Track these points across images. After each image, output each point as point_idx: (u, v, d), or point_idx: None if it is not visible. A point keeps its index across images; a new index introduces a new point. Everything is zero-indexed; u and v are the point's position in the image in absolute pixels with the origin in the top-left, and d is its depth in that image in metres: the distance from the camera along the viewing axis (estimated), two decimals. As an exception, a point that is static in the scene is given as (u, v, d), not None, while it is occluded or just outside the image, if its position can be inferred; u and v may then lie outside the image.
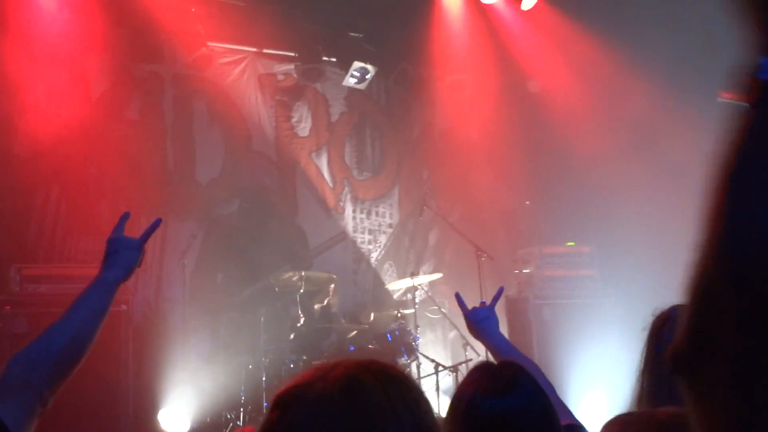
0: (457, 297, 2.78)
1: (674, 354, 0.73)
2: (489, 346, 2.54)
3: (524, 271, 7.11)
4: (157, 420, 5.97)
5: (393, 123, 8.27)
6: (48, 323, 4.72)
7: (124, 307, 5.45)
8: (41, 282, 5.29)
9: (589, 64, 7.28)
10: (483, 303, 2.70)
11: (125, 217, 2.07)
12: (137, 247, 1.96)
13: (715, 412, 0.68)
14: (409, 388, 1.10)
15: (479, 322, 2.56)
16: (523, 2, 7.57)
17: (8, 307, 4.89)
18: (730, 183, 0.68)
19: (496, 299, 2.70)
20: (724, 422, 0.67)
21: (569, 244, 7.26)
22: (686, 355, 0.71)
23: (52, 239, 6.11)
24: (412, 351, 6.36)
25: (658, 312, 2.24)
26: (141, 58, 6.80)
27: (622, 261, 6.88)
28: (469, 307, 2.65)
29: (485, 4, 7.60)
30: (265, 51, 7.54)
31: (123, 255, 1.92)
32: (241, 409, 6.03)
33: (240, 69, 7.43)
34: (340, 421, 1.00)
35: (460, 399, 1.75)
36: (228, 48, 7.32)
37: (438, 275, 7.07)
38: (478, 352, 6.34)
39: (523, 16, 7.69)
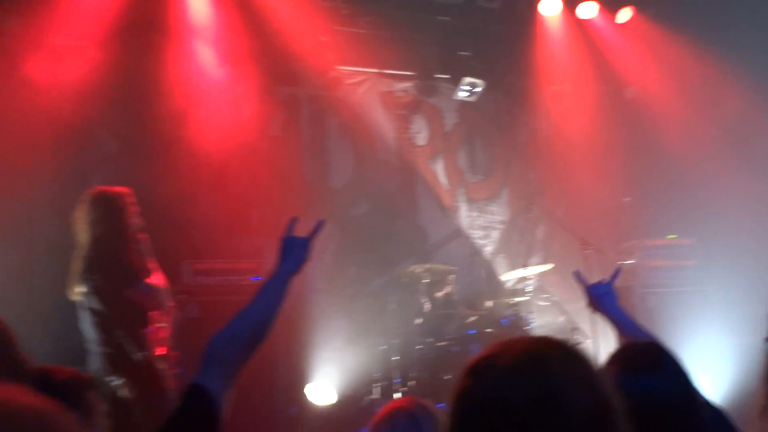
0: (577, 274, 2.72)
1: None
2: (610, 320, 2.46)
3: (628, 262, 6.92)
4: (305, 392, 6.14)
5: (501, 130, 8.19)
6: (214, 308, 4.95)
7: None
8: (208, 274, 5.55)
9: (683, 69, 7.04)
10: (601, 281, 2.63)
11: (294, 220, 2.14)
12: (305, 245, 2.04)
13: None
14: (586, 360, 1.08)
15: (600, 297, 2.51)
16: (617, 16, 7.40)
17: (182, 296, 5.10)
18: None
19: (614, 277, 2.63)
20: None
21: (671, 236, 7.04)
22: None
23: (215, 239, 6.33)
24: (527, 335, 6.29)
25: None
26: (282, 82, 6.99)
27: (721, 252, 6.61)
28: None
29: (582, 20, 7.46)
30: (385, 72, 7.61)
31: (294, 252, 2.00)
32: (375, 385, 6.13)
33: (365, 88, 7.53)
34: (527, 388, 0.99)
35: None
36: (354, 70, 7.41)
37: (549, 266, 6.95)
38: (587, 336, 6.23)
39: (619, 29, 7.51)
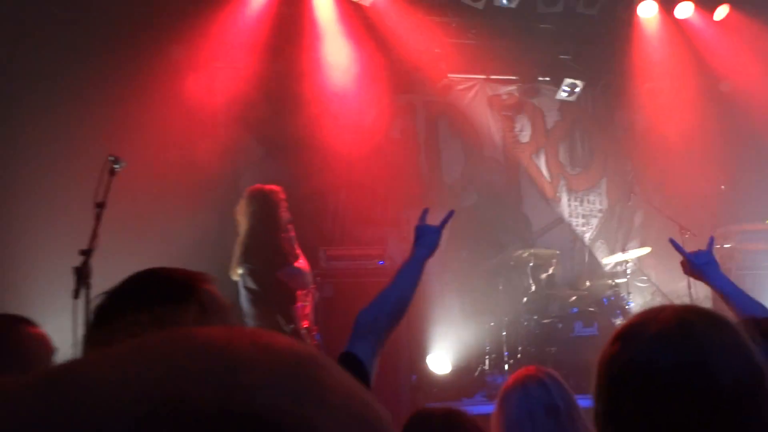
0: (673, 242, 2.55)
1: None
2: (714, 287, 2.28)
3: (725, 245, 6.57)
4: (426, 362, 6.25)
5: (600, 126, 7.94)
6: (345, 289, 5.13)
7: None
8: (340, 259, 5.71)
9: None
10: (700, 250, 2.43)
11: (426, 211, 2.20)
12: (437, 232, 2.08)
13: None
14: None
15: (703, 266, 2.33)
16: (715, 13, 6.99)
17: (319, 278, 5.30)
18: None
19: (711, 245, 2.47)
20: None
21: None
22: None
23: (343, 228, 6.55)
24: (625, 313, 6.09)
25: None
26: (399, 90, 7.10)
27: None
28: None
29: (679, 20, 7.11)
30: (491, 77, 7.56)
31: (427, 238, 2.04)
32: (486, 357, 6.15)
33: (473, 93, 7.51)
34: (677, 354, 0.94)
35: None
36: (463, 77, 7.41)
37: (647, 249, 6.70)
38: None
39: (715, 26, 7.09)
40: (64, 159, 5.18)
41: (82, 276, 3.34)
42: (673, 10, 7.00)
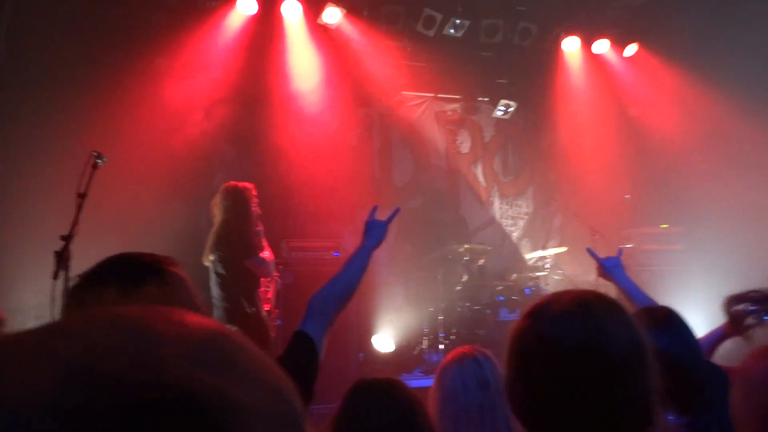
0: (590, 251, 2.62)
1: None
2: (620, 287, 2.36)
3: (627, 246, 6.71)
4: (372, 342, 6.22)
5: (528, 141, 8.03)
6: (305, 276, 5.04)
7: (350, 267, 5.70)
8: (300, 250, 5.63)
9: (676, 89, 6.77)
10: (610, 256, 2.52)
11: (375, 208, 2.15)
12: (384, 226, 2.03)
13: None
14: (623, 309, 1.01)
15: (612, 268, 2.41)
16: (626, 50, 7.16)
17: (281, 267, 5.22)
18: None
19: (620, 254, 2.53)
20: None
21: (663, 225, 6.80)
22: None
23: (305, 223, 6.46)
24: (544, 302, 6.21)
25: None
26: (358, 103, 7.02)
27: (704, 238, 6.36)
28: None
29: (596, 54, 7.25)
30: (438, 95, 7.55)
31: (376, 231, 1.99)
32: (425, 338, 6.15)
33: (422, 109, 7.50)
34: (577, 328, 0.95)
35: None
36: (414, 95, 7.39)
37: (564, 248, 6.83)
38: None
39: (626, 60, 7.27)
40: (52, 153, 4.94)
41: (61, 259, 3.20)
42: (591, 46, 7.13)
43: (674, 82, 6.80)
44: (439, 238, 6.75)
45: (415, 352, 6.06)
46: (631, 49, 7.10)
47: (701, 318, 5.77)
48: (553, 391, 0.93)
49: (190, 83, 6.01)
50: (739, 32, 6.05)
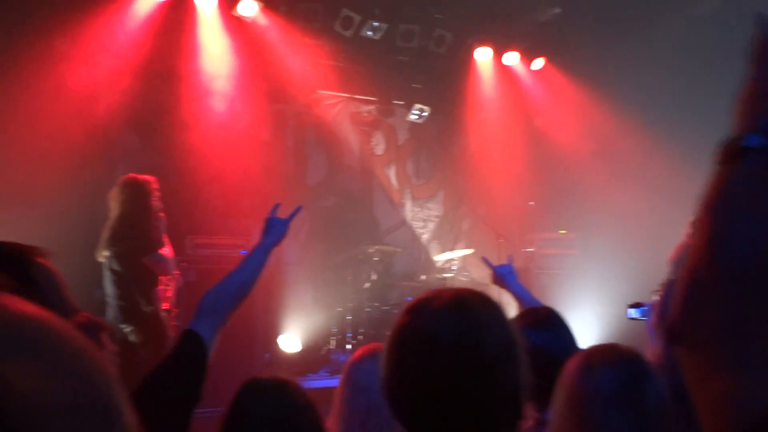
0: (484, 259, 2.73)
1: (671, 328, 0.68)
2: (512, 292, 2.44)
3: (529, 249, 7.06)
4: (278, 342, 6.12)
5: (441, 146, 8.24)
6: (209, 275, 4.89)
7: (258, 266, 5.59)
8: (205, 247, 5.46)
9: (575, 103, 7.20)
10: (503, 264, 2.65)
11: (277, 206, 2.13)
12: (285, 224, 2.02)
13: (704, 362, 0.64)
14: (499, 306, 1.04)
15: (504, 275, 2.49)
16: (533, 63, 7.51)
17: (184, 264, 5.02)
18: (714, 213, 0.67)
19: (510, 261, 2.64)
20: (712, 375, 0.63)
21: (562, 231, 7.19)
22: (682, 328, 0.67)
23: (212, 220, 6.22)
24: (449, 303, 6.38)
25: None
26: (272, 100, 6.88)
27: (597, 244, 6.79)
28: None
29: (507, 65, 7.56)
30: (354, 96, 7.57)
31: (275, 229, 1.98)
32: (332, 338, 6.14)
33: (337, 109, 7.49)
34: (454, 324, 0.97)
35: None
36: (330, 94, 7.36)
37: (470, 251, 7.05)
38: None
39: (534, 73, 7.63)
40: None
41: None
42: (502, 57, 7.42)
43: (575, 97, 7.23)
44: (351, 238, 6.78)
45: (322, 353, 6.04)
46: (539, 63, 7.46)
47: (594, 317, 6.20)
48: (429, 387, 0.95)
49: (92, 68, 5.65)
50: (633, 54, 6.52)
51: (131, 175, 4.28)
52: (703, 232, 0.67)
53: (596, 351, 1.34)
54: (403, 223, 7.84)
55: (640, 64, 6.53)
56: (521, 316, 1.78)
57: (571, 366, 1.32)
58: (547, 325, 1.70)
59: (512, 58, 7.46)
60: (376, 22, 6.62)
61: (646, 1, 6.49)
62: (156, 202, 4.22)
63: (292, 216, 2.10)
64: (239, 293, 1.74)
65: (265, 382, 1.60)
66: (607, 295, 6.01)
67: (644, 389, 1.23)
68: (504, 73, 7.61)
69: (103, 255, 4.05)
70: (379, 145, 7.81)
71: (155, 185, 4.24)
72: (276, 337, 6.07)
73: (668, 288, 1.95)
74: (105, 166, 5.73)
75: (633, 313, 2.90)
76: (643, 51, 6.51)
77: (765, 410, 0.58)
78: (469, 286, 5.97)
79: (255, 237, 5.91)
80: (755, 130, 0.67)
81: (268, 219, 2.03)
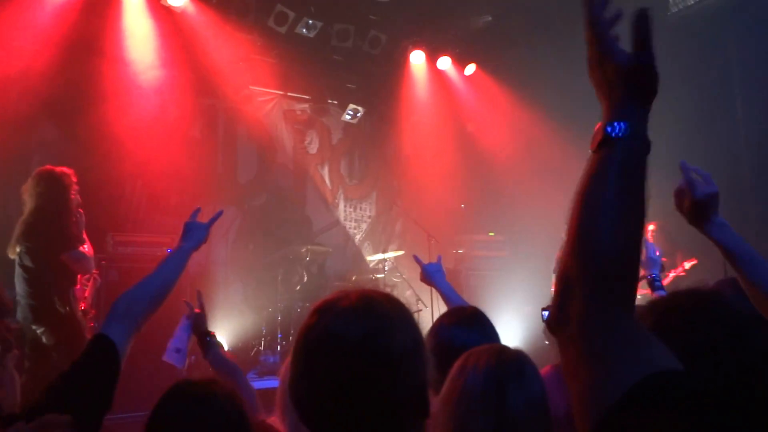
0: (415, 257, 2.78)
1: (548, 321, 0.71)
2: (439, 290, 2.50)
3: (459, 251, 7.20)
4: (205, 343, 5.92)
5: (374, 147, 8.29)
6: (131, 274, 4.70)
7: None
8: (128, 245, 5.21)
9: (504, 108, 7.44)
10: (432, 262, 2.71)
11: (197, 210, 2.08)
12: (205, 229, 1.98)
13: (573, 354, 0.66)
14: (405, 306, 1.05)
15: (433, 273, 2.56)
16: (466, 69, 7.70)
17: (104, 262, 4.81)
18: (580, 205, 0.68)
19: (439, 260, 2.71)
20: (580, 360, 0.65)
21: (491, 233, 7.38)
22: (554, 321, 0.69)
23: (136, 216, 6.01)
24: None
25: None
26: (203, 94, 6.71)
27: (523, 246, 7.00)
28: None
29: (440, 70, 7.70)
30: (288, 94, 7.51)
31: (195, 233, 1.93)
32: (262, 338, 6.02)
33: (270, 105, 7.40)
34: (361, 324, 0.97)
35: (437, 329, 1.71)
36: (263, 90, 7.26)
37: (401, 252, 7.12)
38: (426, 305, 6.41)
39: (466, 78, 7.81)
40: None
41: None
42: (436, 61, 7.56)
43: (504, 102, 7.46)
44: (283, 237, 6.69)
45: (252, 354, 5.91)
46: (470, 68, 7.65)
47: (520, 318, 6.41)
48: (336, 387, 0.94)
49: (8, 51, 5.29)
50: (559, 60, 6.81)
51: (48, 167, 4.02)
52: (571, 223, 0.68)
53: (476, 351, 1.37)
54: (337, 223, 7.83)
55: (564, 70, 6.82)
56: (448, 315, 1.80)
57: (455, 365, 1.35)
58: (472, 324, 1.74)
59: (445, 63, 7.61)
60: (311, 19, 6.58)
61: (572, 12, 6.81)
62: (75, 195, 3.98)
63: (213, 221, 2.06)
64: (155, 298, 1.68)
65: (194, 383, 1.54)
66: (532, 296, 6.22)
67: (509, 393, 1.26)
68: (437, 76, 7.75)
69: (15, 251, 3.79)
70: (312, 143, 7.76)
71: (74, 178, 4.00)
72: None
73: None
74: (19, 157, 5.37)
75: (547, 315, 3.04)
76: (568, 57, 6.81)
77: (619, 400, 0.60)
78: (400, 286, 6.00)
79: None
80: (619, 117, 0.68)
81: (187, 223, 1.99)
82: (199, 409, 1.44)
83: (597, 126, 0.70)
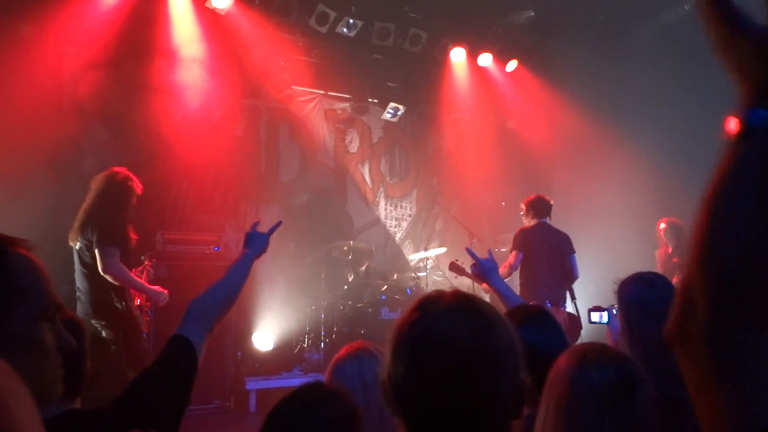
0: (468, 250, 2.73)
1: (666, 334, 0.64)
2: (495, 288, 2.48)
3: (501, 249, 7.13)
4: (252, 340, 6.05)
5: (414, 145, 8.29)
6: (180, 270, 4.79)
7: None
8: (176, 243, 5.35)
9: (546, 105, 7.33)
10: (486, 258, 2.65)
11: (256, 223, 2.13)
12: (265, 238, 2.03)
13: (698, 370, 0.60)
14: (494, 307, 1.06)
15: (489, 270, 2.54)
16: (507, 66, 7.62)
17: (155, 260, 4.95)
18: (710, 206, 0.60)
19: (491, 256, 2.65)
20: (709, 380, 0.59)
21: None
22: (675, 335, 0.63)
23: (183, 215, 6.15)
24: (423, 301, 6.40)
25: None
26: (246, 95, 6.82)
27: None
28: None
29: (481, 66, 7.64)
30: (329, 93, 7.55)
31: (257, 241, 1.99)
32: (306, 336, 6.11)
33: (312, 105, 7.46)
34: (467, 321, 0.98)
35: None
36: (304, 90, 7.32)
37: (444, 249, 7.10)
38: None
39: (507, 75, 7.74)
40: None
41: None
42: (477, 58, 7.51)
43: (545, 99, 7.36)
44: (325, 236, 6.74)
45: (296, 351, 5.99)
46: (512, 65, 7.58)
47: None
48: (446, 384, 0.94)
49: (60, 55, 5.49)
50: (602, 58, 6.68)
51: (115, 168, 4.14)
52: (699, 227, 0.60)
53: (589, 350, 1.33)
54: (377, 221, 7.85)
55: (606, 65, 6.68)
56: (513, 313, 1.79)
57: (561, 363, 1.31)
58: (540, 323, 1.72)
59: (486, 60, 7.55)
60: (351, 19, 6.61)
61: (615, 8, 6.67)
62: (133, 198, 4.10)
63: (273, 230, 2.12)
64: (226, 302, 1.74)
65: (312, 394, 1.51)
66: (577, 294, 6.11)
67: (636, 393, 1.23)
68: (478, 73, 7.70)
69: (77, 241, 3.91)
70: (353, 142, 7.80)
71: (135, 183, 4.12)
72: (248, 336, 6.00)
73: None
74: (72, 158, 5.56)
75: (594, 317, 2.98)
76: (611, 55, 6.67)
77: (759, 425, 0.55)
78: (443, 285, 6.01)
79: (227, 233, 5.87)
80: (764, 103, 0.58)
81: (248, 234, 2.05)
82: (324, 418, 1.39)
83: (731, 114, 0.61)
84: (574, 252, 5.01)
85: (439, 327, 0.98)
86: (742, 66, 0.61)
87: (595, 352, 1.31)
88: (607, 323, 2.81)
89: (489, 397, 0.95)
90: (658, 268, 5.74)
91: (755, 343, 0.56)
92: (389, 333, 1.04)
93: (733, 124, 0.60)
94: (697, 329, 0.59)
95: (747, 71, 0.61)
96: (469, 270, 2.85)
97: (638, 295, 1.94)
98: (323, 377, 1.88)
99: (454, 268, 4.23)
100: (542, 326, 1.70)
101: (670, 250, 5.79)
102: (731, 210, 0.58)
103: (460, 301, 1.01)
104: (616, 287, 2.03)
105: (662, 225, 5.89)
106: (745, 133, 0.59)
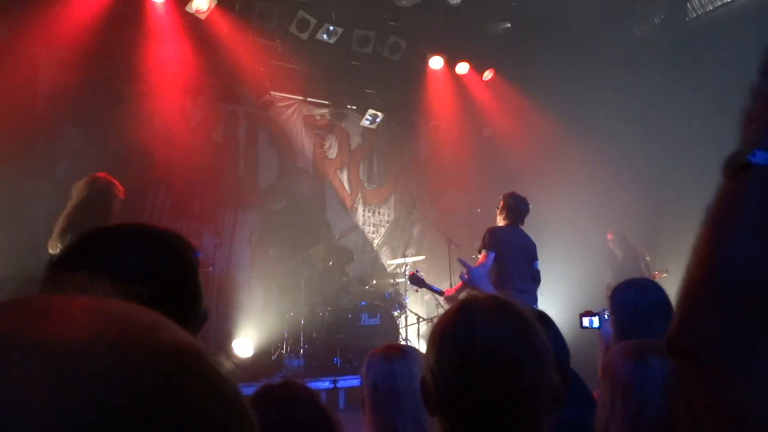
0: (461, 260, 2.77)
1: (671, 343, 0.65)
2: (485, 293, 2.49)
3: (479, 256, 7.15)
4: (231, 346, 5.96)
5: (393, 152, 8.30)
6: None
7: (210, 269, 5.46)
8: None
9: (524, 116, 7.42)
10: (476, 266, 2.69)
11: None
12: None
13: (703, 380, 0.61)
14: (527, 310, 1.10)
15: (479, 278, 2.59)
16: (484, 75, 7.69)
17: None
18: (716, 227, 0.63)
19: (486, 264, 2.74)
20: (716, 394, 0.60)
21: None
22: (682, 343, 0.64)
23: (161, 221, 6.05)
24: (402, 307, 6.39)
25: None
26: (225, 99, 6.77)
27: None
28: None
29: (459, 74, 7.69)
30: (308, 99, 7.53)
31: None
32: (285, 342, 6.03)
33: (291, 111, 7.42)
34: (507, 321, 1.01)
35: None
36: (283, 96, 7.29)
37: (421, 257, 7.11)
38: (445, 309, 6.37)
39: (483, 84, 7.80)
40: None
41: None
42: (455, 67, 7.56)
43: (521, 108, 7.44)
44: (303, 242, 6.69)
45: (275, 357, 5.92)
46: (488, 74, 7.65)
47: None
48: (492, 384, 0.97)
49: (35, 56, 5.35)
50: (577, 68, 6.80)
51: (99, 173, 4.06)
52: (704, 244, 0.64)
53: (642, 343, 1.41)
54: (356, 227, 7.83)
55: (581, 76, 6.80)
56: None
57: (617, 359, 1.39)
58: (543, 326, 1.72)
59: (463, 68, 7.60)
60: (331, 26, 6.60)
61: (589, 21, 6.80)
62: (116, 204, 4.01)
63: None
64: None
65: (276, 386, 1.53)
66: (554, 300, 6.18)
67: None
68: (456, 82, 7.74)
69: (57, 247, 3.80)
70: (332, 148, 7.78)
71: (118, 189, 4.03)
72: (228, 342, 5.90)
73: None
74: (46, 162, 5.42)
75: (585, 322, 3.00)
76: (587, 65, 6.80)
77: None
78: (420, 291, 5.95)
79: (206, 239, 5.76)
80: (761, 145, 0.63)
81: None
82: (285, 413, 1.40)
83: (732, 151, 0.66)
84: (537, 259, 5.06)
85: (485, 327, 1.00)
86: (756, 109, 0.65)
87: (647, 344, 1.42)
88: (599, 328, 2.84)
89: (531, 395, 0.99)
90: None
91: (759, 347, 0.58)
92: (431, 334, 1.06)
93: (733, 160, 0.64)
94: (713, 333, 0.60)
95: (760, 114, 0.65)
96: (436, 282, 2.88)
97: (632, 300, 1.99)
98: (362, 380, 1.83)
99: (415, 280, 4.22)
100: (545, 330, 1.70)
101: (620, 255, 6.41)
102: (734, 232, 0.61)
103: (500, 303, 1.05)
104: (608, 292, 2.07)
105: (610, 236, 6.51)
106: (746, 168, 0.62)
